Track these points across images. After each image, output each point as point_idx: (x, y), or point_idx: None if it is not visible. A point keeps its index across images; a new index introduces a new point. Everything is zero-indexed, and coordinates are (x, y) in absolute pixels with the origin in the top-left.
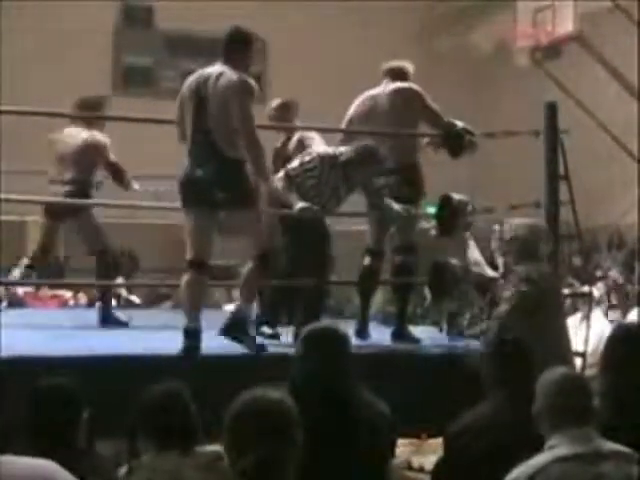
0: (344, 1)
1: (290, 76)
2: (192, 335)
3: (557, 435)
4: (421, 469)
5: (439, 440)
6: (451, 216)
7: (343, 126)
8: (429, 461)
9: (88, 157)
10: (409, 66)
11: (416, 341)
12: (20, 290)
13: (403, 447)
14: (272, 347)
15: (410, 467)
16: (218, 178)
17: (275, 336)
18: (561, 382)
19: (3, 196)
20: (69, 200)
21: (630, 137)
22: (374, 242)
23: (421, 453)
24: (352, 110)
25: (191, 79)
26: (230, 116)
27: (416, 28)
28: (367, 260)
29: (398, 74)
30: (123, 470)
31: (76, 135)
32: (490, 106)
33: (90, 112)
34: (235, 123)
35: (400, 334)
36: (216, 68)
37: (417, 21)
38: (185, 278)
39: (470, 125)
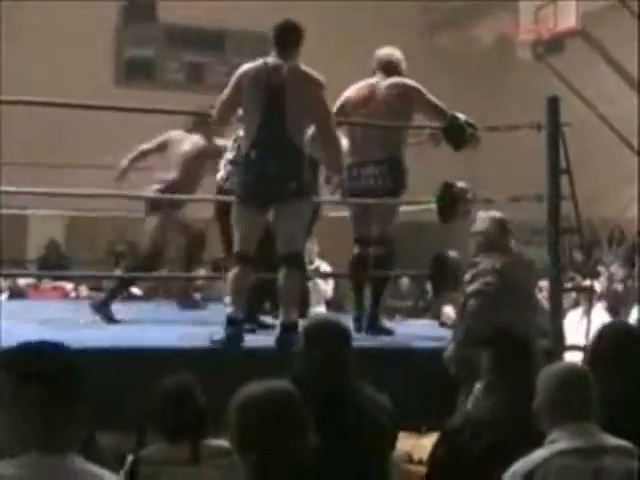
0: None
1: None
2: (235, 323)
3: (557, 430)
4: (420, 462)
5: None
6: (452, 203)
7: (334, 109)
8: (427, 454)
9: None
10: (401, 57)
11: (390, 333)
12: (21, 282)
13: (403, 440)
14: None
15: (410, 460)
16: (288, 169)
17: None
18: (562, 376)
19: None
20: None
21: (632, 131)
22: (360, 231)
23: (421, 446)
24: (347, 94)
25: (255, 67)
26: (309, 109)
27: (419, 23)
28: (356, 249)
29: (394, 68)
30: (129, 459)
31: (197, 141)
32: (492, 100)
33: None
34: (315, 115)
35: (374, 326)
36: (280, 60)
37: (419, 16)
38: (231, 271)
39: (472, 119)
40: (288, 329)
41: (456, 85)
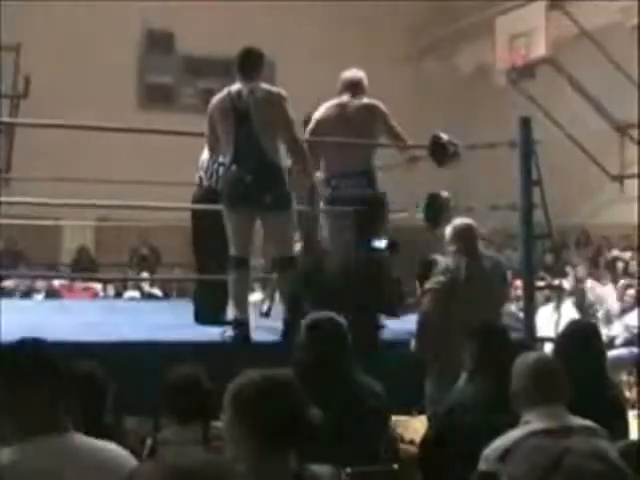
0: (341, 30)
1: (296, 95)
2: (241, 325)
3: (530, 412)
4: (411, 442)
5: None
6: (438, 211)
7: (309, 129)
8: (419, 435)
9: None
10: (364, 77)
11: (383, 327)
12: (56, 283)
13: (395, 423)
14: None
15: (402, 440)
16: (265, 181)
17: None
18: (532, 365)
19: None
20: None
21: (596, 148)
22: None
23: (412, 427)
24: (318, 116)
25: (219, 97)
26: (275, 123)
27: (406, 51)
28: None
29: (358, 87)
30: (148, 442)
31: None
32: (472, 120)
33: None
34: (280, 128)
35: None
36: (242, 84)
37: (407, 45)
38: (231, 276)
39: (454, 137)
40: (289, 325)
41: (440, 107)
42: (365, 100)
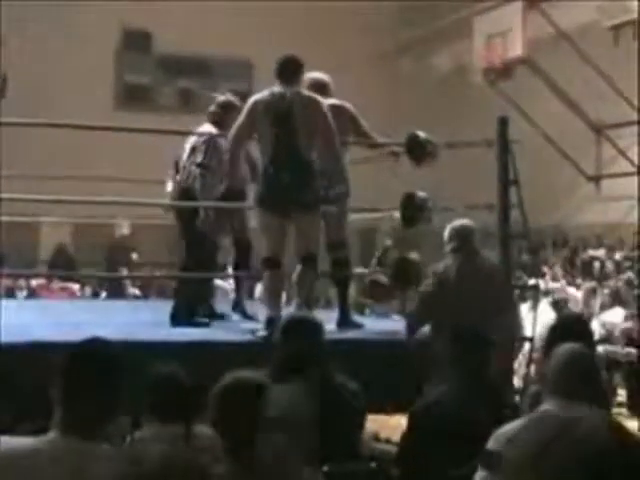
0: (319, 30)
1: None
2: (273, 325)
3: (549, 401)
4: (388, 441)
5: (404, 415)
6: (414, 211)
7: None
8: (395, 433)
9: None
10: (329, 80)
11: (360, 326)
12: (33, 282)
13: (371, 421)
14: None
15: (377, 439)
16: (302, 183)
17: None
18: (565, 358)
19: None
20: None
21: (573, 148)
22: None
23: (388, 426)
24: None
25: (262, 96)
26: (315, 128)
27: (382, 50)
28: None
29: (324, 88)
30: (127, 440)
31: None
32: (450, 119)
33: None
34: (319, 134)
35: (346, 321)
36: (283, 88)
37: (383, 44)
38: (264, 276)
39: (431, 136)
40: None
41: (418, 106)
42: (334, 100)
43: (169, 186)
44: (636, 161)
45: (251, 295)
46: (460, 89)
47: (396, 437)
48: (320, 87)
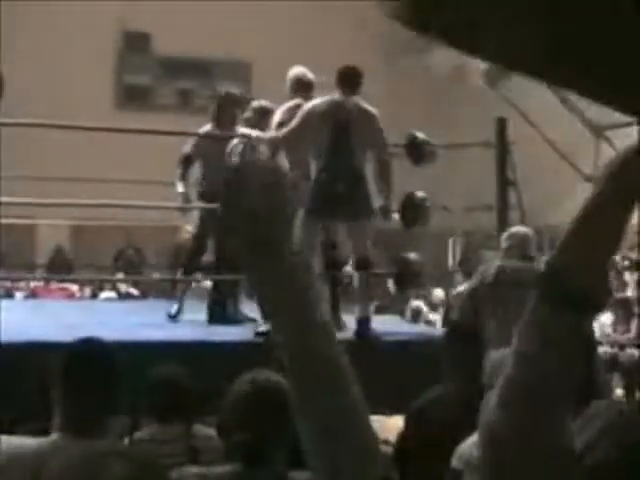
0: (317, 31)
1: (272, 94)
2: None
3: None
4: (386, 442)
5: (401, 417)
6: (414, 211)
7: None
8: (393, 435)
9: None
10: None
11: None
12: (32, 283)
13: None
14: None
15: None
16: (355, 193)
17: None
18: None
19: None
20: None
21: (571, 149)
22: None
23: (386, 428)
24: (280, 117)
25: (320, 103)
26: (369, 140)
27: (382, 51)
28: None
29: (309, 86)
30: (125, 441)
31: None
32: (449, 121)
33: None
34: (375, 146)
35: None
36: (342, 97)
37: (383, 44)
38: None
39: (430, 137)
40: (364, 322)
41: (416, 107)
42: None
43: (180, 187)
44: None
45: (251, 296)
46: (459, 89)
47: (393, 438)
48: (305, 86)
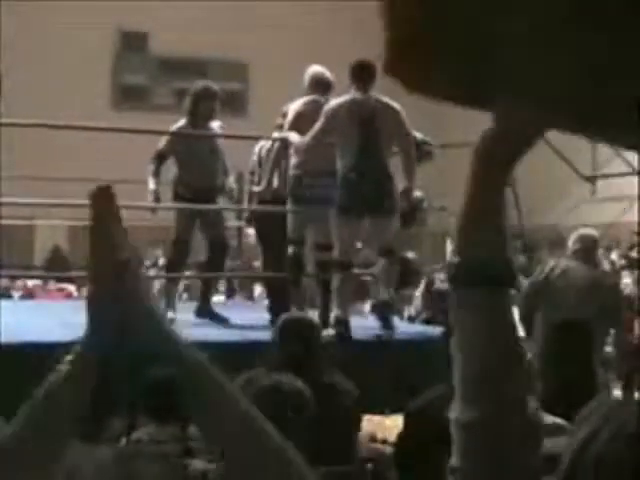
0: (315, 32)
1: (268, 94)
2: (342, 324)
3: None
4: (384, 441)
5: (400, 416)
6: (411, 211)
7: (288, 123)
8: (391, 434)
9: None
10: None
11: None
12: (29, 283)
13: (368, 422)
14: None
15: (374, 439)
16: (384, 190)
17: None
18: None
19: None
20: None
21: (568, 148)
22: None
23: (384, 427)
24: (296, 109)
25: (343, 102)
26: (394, 135)
27: (381, 50)
28: (290, 249)
29: (330, 86)
30: (123, 441)
31: None
32: (447, 120)
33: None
34: (401, 141)
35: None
36: (362, 94)
37: (382, 44)
38: (335, 277)
39: (427, 137)
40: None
41: (416, 106)
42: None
43: (151, 183)
44: (631, 161)
45: (251, 297)
46: None
47: (392, 437)
48: (324, 85)
